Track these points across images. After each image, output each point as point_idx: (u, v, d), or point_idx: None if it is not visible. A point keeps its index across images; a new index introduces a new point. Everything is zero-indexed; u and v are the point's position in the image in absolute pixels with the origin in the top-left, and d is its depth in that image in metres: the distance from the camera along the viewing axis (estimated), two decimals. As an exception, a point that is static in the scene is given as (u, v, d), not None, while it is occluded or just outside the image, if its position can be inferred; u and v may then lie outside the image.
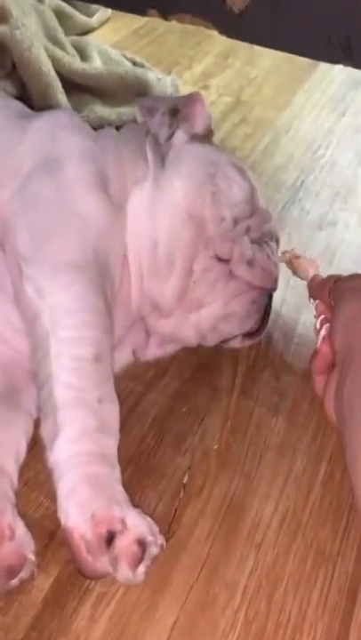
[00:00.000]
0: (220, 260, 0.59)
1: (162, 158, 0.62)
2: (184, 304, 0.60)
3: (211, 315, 0.60)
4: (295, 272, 0.67)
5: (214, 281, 0.59)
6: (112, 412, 0.51)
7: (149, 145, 0.63)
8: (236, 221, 0.60)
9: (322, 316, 0.58)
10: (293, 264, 0.66)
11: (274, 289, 0.63)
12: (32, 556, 0.48)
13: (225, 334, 0.63)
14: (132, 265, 0.60)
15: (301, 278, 0.65)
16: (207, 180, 0.60)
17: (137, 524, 0.46)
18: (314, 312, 0.60)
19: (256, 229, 0.62)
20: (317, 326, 0.58)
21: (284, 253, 0.65)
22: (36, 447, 0.54)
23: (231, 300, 0.60)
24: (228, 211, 0.60)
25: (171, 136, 0.63)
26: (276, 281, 0.63)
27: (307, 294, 0.66)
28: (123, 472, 0.54)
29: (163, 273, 0.59)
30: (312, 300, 0.63)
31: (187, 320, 0.61)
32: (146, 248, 0.59)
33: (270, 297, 0.65)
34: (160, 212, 0.59)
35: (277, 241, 0.65)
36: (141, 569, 0.46)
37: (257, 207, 0.63)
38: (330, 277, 0.60)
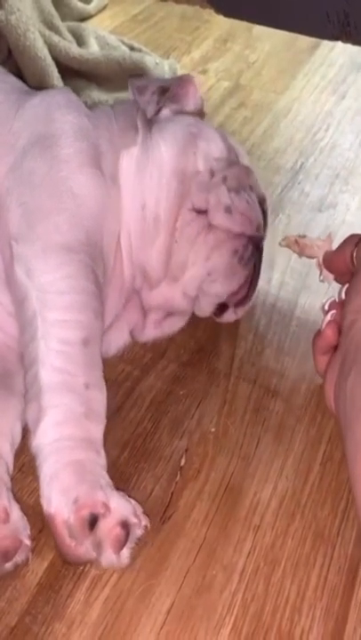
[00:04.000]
0: (198, 212, 0.59)
1: (150, 128, 0.62)
2: (170, 271, 0.60)
3: (195, 275, 0.59)
4: (302, 252, 0.64)
5: (194, 235, 0.59)
6: (99, 399, 0.50)
7: (140, 118, 0.62)
8: (212, 173, 0.60)
9: (332, 298, 0.57)
10: (300, 244, 0.64)
11: (258, 237, 0.61)
12: (27, 541, 0.48)
13: (215, 297, 0.62)
14: (122, 236, 0.59)
15: (310, 257, 0.63)
16: (189, 138, 0.60)
17: (120, 507, 0.46)
18: (342, 295, 0.57)
19: (233, 178, 0.60)
20: (326, 308, 0.57)
21: (284, 238, 0.64)
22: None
23: (212, 253, 0.59)
24: (204, 163, 0.60)
25: (157, 112, 0.63)
26: (258, 228, 0.61)
27: (305, 277, 0.65)
28: (119, 456, 0.54)
29: (149, 237, 0.59)
30: (322, 277, 0.61)
31: (175, 287, 0.60)
32: (135, 213, 0.59)
33: (260, 252, 0.63)
34: (147, 173, 0.59)
35: (264, 201, 0.63)
36: (126, 552, 0.46)
37: (235, 162, 0.62)
38: (351, 237, 0.56)
